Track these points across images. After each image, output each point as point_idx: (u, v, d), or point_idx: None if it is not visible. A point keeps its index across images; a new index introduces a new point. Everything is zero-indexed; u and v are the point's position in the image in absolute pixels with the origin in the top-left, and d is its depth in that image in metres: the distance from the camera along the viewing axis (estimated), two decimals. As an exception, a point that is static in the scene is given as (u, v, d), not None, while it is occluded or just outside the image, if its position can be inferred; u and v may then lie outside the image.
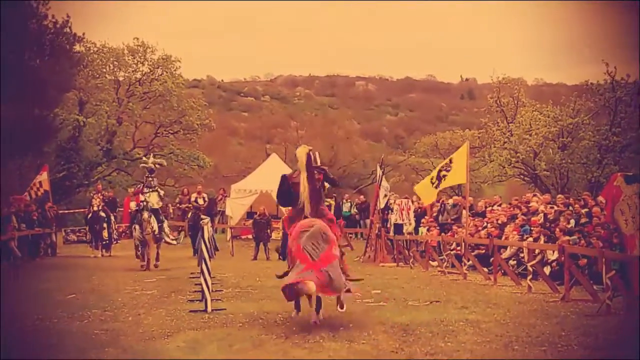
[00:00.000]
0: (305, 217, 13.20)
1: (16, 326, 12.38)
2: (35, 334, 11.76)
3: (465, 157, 22.82)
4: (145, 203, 24.38)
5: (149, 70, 48.13)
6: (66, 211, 38.80)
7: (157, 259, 24.84)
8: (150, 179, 25.27)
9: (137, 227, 24.31)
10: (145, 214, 24.06)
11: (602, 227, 19.92)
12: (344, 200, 38.60)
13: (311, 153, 13.53)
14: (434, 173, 24.23)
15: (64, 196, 42.30)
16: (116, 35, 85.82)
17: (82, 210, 34.63)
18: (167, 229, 25.45)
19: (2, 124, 26.56)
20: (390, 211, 30.43)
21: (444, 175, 23.35)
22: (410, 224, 29.37)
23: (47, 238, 28.99)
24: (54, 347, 10.76)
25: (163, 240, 25.23)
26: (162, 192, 26.34)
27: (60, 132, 39.22)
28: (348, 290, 12.96)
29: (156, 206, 24.80)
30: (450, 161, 23.57)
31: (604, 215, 19.03)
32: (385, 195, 29.74)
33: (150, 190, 24.99)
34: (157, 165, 26.17)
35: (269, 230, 28.92)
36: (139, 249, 24.58)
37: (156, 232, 24.22)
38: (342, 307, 13.31)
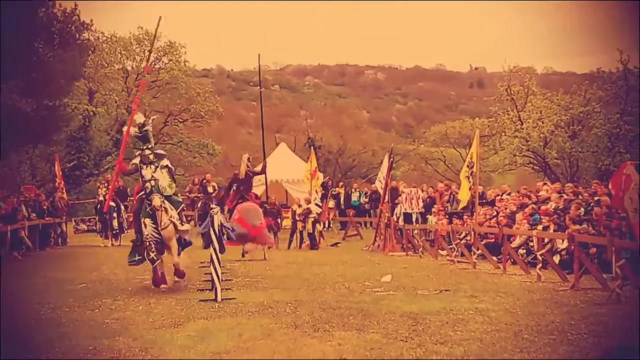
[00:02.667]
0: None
1: (28, 315, 12.43)
2: (46, 323, 11.80)
3: (475, 146, 22.88)
4: (154, 182, 16.30)
5: (155, 59, 48.11)
6: (76, 201, 38.90)
7: (177, 271, 16.61)
8: (145, 150, 16.94)
9: (147, 220, 16.21)
10: (157, 199, 15.91)
11: (612, 216, 19.87)
12: (353, 190, 38.54)
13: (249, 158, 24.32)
14: (464, 174, 23.91)
15: (74, 186, 42.40)
16: (124, 25, 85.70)
17: (92, 200, 34.70)
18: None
19: (13, 114, 26.67)
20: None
21: (472, 173, 23.27)
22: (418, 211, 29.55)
23: (58, 228, 29.03)
24: (65, 335, 10.80)
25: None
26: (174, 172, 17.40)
27: (71, 122, 39.30)
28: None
29: (169, 191, 16.33)
30: (471, 157, 23.50)
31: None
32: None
33: (154, 166, 16.63)
34: (143, 131, 17.30)
35: (279, 220, 28.89)
36: (152, 254, 16.19)
37: (177, 224, 16.25)
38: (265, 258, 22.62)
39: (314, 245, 28.13)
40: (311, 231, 28.26)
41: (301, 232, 28.45)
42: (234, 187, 24.11)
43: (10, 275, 18.45)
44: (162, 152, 17.44)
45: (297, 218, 28.38)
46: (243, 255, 23.28)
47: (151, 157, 16.77)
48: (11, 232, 23.19)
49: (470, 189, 23.33)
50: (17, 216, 24.28)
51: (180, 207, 16.78)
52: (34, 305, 13.38)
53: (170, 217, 16.03)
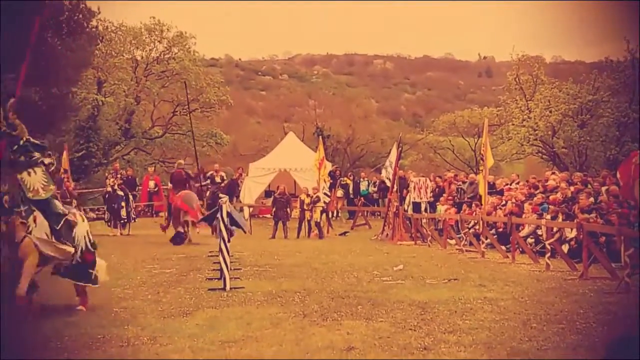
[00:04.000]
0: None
1: (35, 304, 12.43)
2: (55, 312, 11.82)
3: (485, 137, 22.90)
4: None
5: (165, 49, 48.18)
6: (85, 190, 38.98)
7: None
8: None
9: None
10: None
11: (620, 205, 19.83)
12: (362, 179, 38.52)
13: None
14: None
15: (83, 175, 42.47)
16: (132, 15, 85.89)
17: (101, 189, 34.75)
18: None
19: (21, 103, 26.65)
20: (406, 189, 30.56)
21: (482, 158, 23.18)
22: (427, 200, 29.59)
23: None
24: (74, 324, 10.82)
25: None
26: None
27: (79, 112, 39.34)
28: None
29: (43, 195, 11.93)
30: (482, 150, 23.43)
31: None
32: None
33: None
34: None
35: (288, 209, 28.87)
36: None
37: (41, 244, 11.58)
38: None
39: (322, 235, 28.16)
40: (319, 220, 28.27)
41: (309, 222, 28.46)
42: (171, 185, 28.04)
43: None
44: (40, 142, 12.72)
45: (305, 207, 28.39)
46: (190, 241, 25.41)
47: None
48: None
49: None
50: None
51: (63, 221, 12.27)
52: (43, 294, 13.40)
53: (30, 230, 11.41)
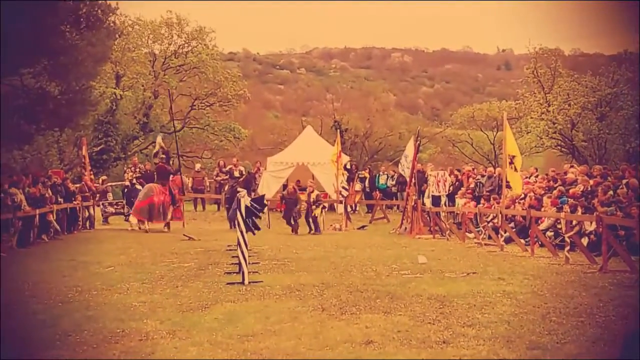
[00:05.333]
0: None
1: (56, 298, 12.50)
2: (74, 305, 11.87)
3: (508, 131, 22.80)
4: None
5: (183, 43, 48.24)
6: (117, 183, 39.13)
7: None
8: None
9: None
10: None
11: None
12: (380, 173, 38.46)
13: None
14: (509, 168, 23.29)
15: (102, 169, 42.60)
16: (151, 9, 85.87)
17: (120, 183, 34.86)
18: None
19: (40, 98, 26.81)
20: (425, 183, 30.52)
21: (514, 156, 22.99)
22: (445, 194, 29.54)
23: (85, 211, 29.16)
24: (93, 318, 10.86)
25: None
26: None
27: (98, 106, 39.43)
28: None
29: None
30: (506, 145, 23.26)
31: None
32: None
33: None
34: None
35: (298, 207, 28.66)
36: None
37: None
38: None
39: (317, 230, 27.92)
40: (317, 215, 28.13)
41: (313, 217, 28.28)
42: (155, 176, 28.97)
43: (38, 259, 18.56)
44: None
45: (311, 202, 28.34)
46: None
47: None
48: (39, 216, 23.29)
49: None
50: (45, 200, 24.39)
51: None
52: (62, 288, 13.45)
53: None
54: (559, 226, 20.89)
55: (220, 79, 48.32)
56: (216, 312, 11.33)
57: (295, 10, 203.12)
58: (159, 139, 30.93)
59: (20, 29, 23.86)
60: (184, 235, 24.70)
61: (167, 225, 28.10)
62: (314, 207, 28.10)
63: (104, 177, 36.18)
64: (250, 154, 55.53)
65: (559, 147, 45.25)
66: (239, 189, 20.84)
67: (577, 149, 42.55)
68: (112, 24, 30.86)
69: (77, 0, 27.43)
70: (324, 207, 29.11)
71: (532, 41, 45.80)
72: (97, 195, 30.83)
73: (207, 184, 38.33)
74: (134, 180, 29.76)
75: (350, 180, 34.66)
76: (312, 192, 28.49)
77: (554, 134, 42.99)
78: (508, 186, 22.76)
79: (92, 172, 32.19)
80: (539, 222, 21.58)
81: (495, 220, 23.38)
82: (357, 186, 36.40)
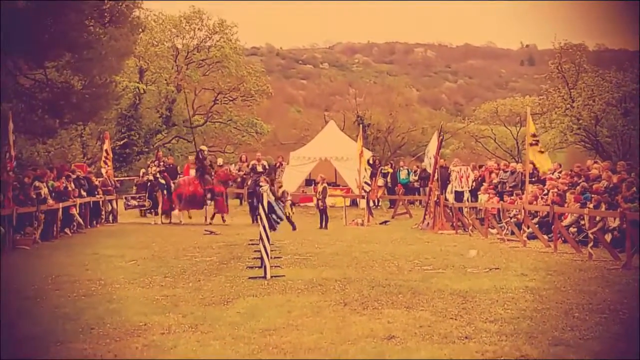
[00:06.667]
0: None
1: (79, 291, 12.55)
2: (97, 299, 11.91)
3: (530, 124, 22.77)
4: None
5: (205, 36, 48.36)
6: (126, 178, 39.27)
7: None
8: None
9: None
10: None
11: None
12: (401, 168, 38.39)
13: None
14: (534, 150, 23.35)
15: (125, 163, 42.78)
16: (174, 4, 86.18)
17: (131, 178, 35.02)
18: None
19: (64, 92, 26.93)
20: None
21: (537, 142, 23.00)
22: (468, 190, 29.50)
23: (108, 205, 29.28)
24: (116, 311, 10.89)
25: None
26: None
27: (121, 100, 39.59)
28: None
29: None
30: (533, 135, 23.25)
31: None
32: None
33: None
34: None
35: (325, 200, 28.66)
36: None
37: None
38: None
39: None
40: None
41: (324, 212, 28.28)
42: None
43: (61, 253, 18.65)
44: None
45: (318, 197, 28.38)
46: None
47: None
48: (63, 209, 23.40)
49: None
50: (68, 194, 24.50)
51: None
52: (85, 282, 13.51)
53: None
54: (582, 222, 20.77)
55: (243, 74, 48.46)
56: (238, 307, 11.33)
57: (318, 5, 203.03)
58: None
59: (45, 24, 24.01)
60: (205, 230, 24.77)
61: (212, 217, 29.55)
62: (319, 200, 28.22)
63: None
64: (273, 149, 55.66)
65: (583, 143, 45.05)
66: (261, 184, 20.88)
67: (601, 144, 42.34)
68: (135, 19, 30.98)
69: (101, -4, 27.59)
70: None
71: (556, 37, 45.38)
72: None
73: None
74: (157, 175, 29.81)
75: (373, 175, 34.63)
76: (322, 183, 28.59)
77: (578, 130, 42.80)
78: (532, 172, 22.76)
79: (110, 167, 32.26)
80: (562, 218, 21.48)
81: (518, 216, 23.29)
82: (380, 181, 36.38)
